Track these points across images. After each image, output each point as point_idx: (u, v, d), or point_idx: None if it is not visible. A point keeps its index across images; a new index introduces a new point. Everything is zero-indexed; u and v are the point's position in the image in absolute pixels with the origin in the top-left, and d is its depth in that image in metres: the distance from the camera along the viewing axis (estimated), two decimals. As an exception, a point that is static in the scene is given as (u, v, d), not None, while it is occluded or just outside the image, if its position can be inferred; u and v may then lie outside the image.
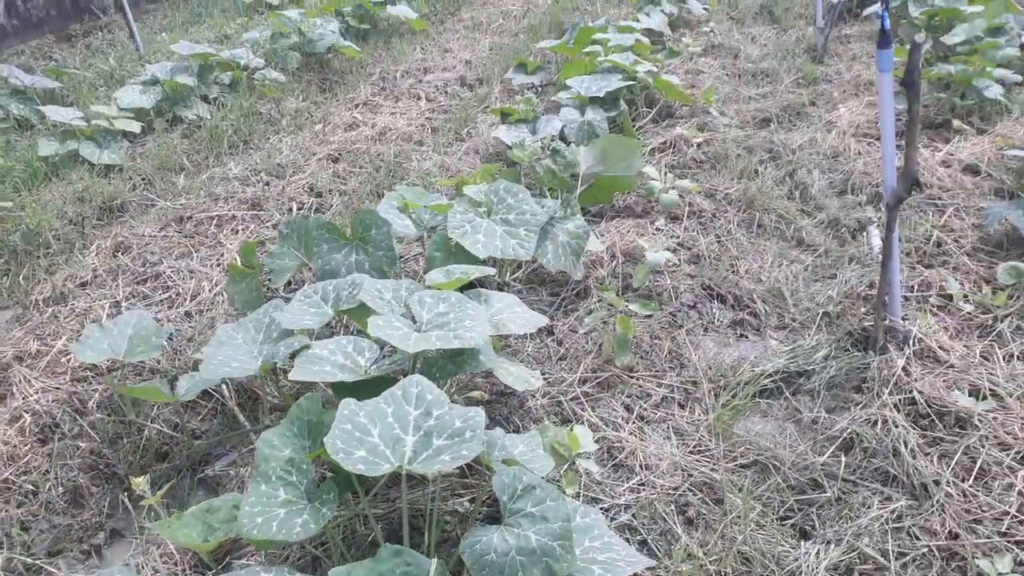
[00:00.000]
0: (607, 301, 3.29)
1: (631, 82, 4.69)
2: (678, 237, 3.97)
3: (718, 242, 3.96)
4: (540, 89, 6.30)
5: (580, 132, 4.49)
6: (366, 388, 2.36)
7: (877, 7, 7.07)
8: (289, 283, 3.75)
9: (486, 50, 7.60)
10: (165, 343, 3.24)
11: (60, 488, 2.79)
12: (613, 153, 4.00)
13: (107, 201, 4.89)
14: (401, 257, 3.90)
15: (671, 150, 4.91)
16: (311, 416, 2.27)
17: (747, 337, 3.40)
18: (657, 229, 4.02)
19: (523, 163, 3.98)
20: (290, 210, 4.59)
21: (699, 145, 4.85)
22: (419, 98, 6.41)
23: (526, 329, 2.68)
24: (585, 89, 4.75)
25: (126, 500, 2.77)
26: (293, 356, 2.53)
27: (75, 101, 6.46)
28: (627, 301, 3.28)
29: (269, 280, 3.60)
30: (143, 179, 5.25)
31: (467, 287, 2.90)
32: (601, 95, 4.62)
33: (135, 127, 5.60)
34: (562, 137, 4.57)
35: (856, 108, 5.48)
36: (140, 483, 2.38)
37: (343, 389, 2.37)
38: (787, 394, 3.04)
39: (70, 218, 4.69)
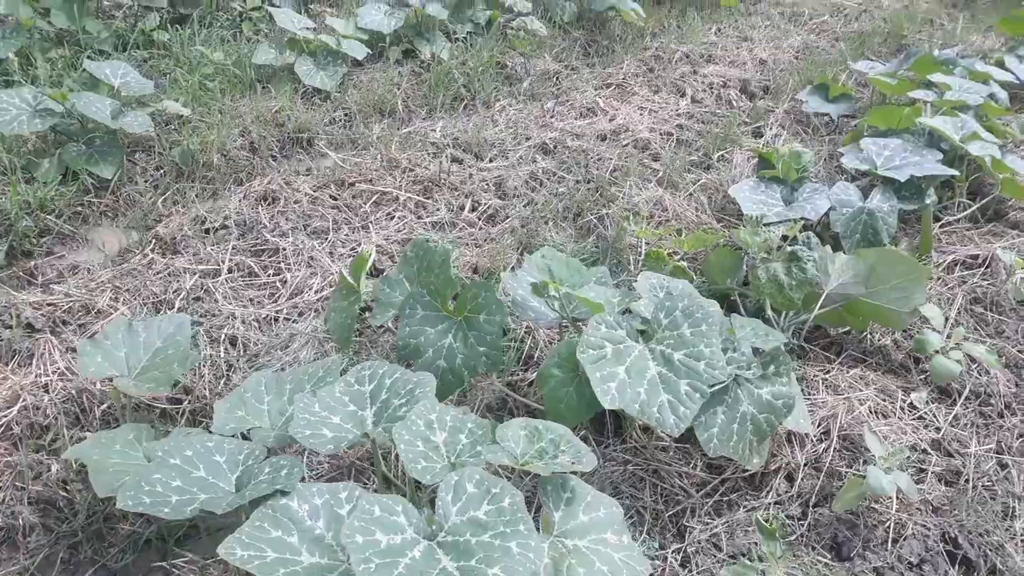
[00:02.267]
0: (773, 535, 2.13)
1: (952, 172, 3.22)
2: (938, 430, 2.65)
3: (999, 463, 2.58)
4: (836, 124, 4.88)
5: (852, 226, 3.17)
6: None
7: None
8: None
9: (792, 50, 6.18)
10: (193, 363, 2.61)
11: None
12: (884, 274, 2.72)
13: (295, 132, 4.40)
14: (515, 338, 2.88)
15: (978, 277, 3.44)
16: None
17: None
18: (911, 407, 2.71)
19: (749, 249, 2.83)
20: (461, 208, 3.79)
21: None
22: (683, 94, 5.26)
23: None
24: (882, 161, 3.38)
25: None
26: (254, 503, 1.74)
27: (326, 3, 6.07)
28: (812, 544, 2.12)
29: (371, 310, 2.85)
30: (345, 114, 4.71)
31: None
32: (902, 178, 3.23)
33: (360, 52, 5.04)
34: (826, 225, 3.29)
35: None
36: None
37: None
38: None
39: (251, 141, 4.25)
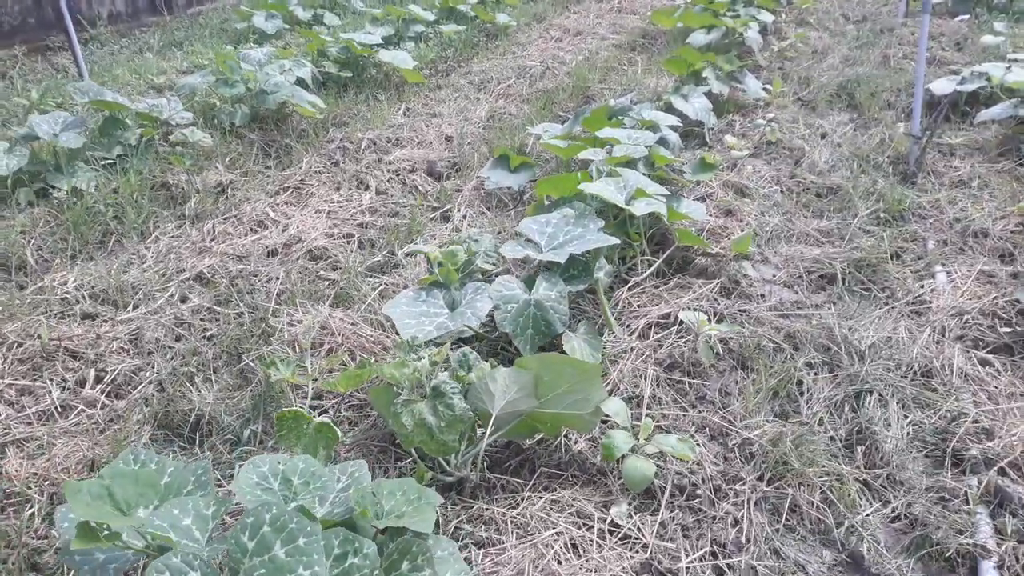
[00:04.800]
0: None
1: (614, 240, 2.99)
2: (645, 547, 2.31)
3: (715, 570, 2.27)
4: (520, 195, 4.68)
5: (520, 322, 2.82)
6: None
7: (997, 108, 5.31)
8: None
9: (482, 119, 6.03)
10: None
11: None
12: (552, 382, 2.37)
13: None
14: None
15: (673, 336, 3.24)
16: None
17: None
18: (612, 526, 2.36)
19: (398, 385, 2.38)
20: (81, 383, 3.06)
21: (715, 330, 3.17)
22: (367, 188, 4.86)
23: None
24: (545, 240, 3.10)
25: None
26: None
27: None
28: None
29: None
30: (-50, 283, 3.81)
31: None
32: (562, 259, 2.94)
33: (-33, 204, 4.18)
34: (493, 325, 2.94)
35: (964, 279, 3.73)
36: None
37: None
38: None
39: None
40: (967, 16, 8.27)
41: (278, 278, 3.75)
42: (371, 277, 3.82)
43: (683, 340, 3.26)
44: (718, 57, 6.07)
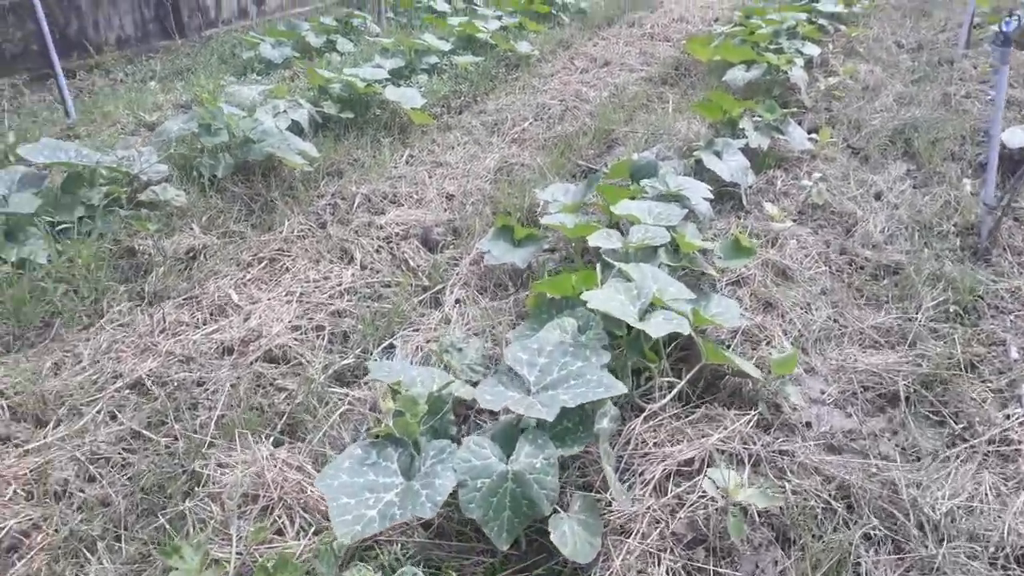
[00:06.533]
0: None
1: (620, 389, 2.30)
2: None
3: None
4: (523, 277, 4.04)
5: (493, 504, 2.12)
6: None
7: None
8: None
9: (490, 171, 5.41)
10: None
11: None
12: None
13: None
14: None
15: (690, 491, 2.58)
16: None
17: None
18: None
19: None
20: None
21: (750, 499, 2.49)
22: (351, 260, 4.26)
23: None
24: (536, 375, 2.41)
25: None
26: None
27: None
28: None
29: None
30: None
31: None
32: (551, 417, 2.26)
33: None
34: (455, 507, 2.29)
35: (1060, 408, 3.02)
36: None
37: None
38: None
39: None
40: (1039, 47, 7.45)
41: (226, 391, 3.16)
42: (337, 388, 3.21)
43: (706, 498, 2.60)
44: (758, 103, 5.38)
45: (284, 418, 3.03)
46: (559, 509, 2.26)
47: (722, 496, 2.41)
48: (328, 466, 2.24)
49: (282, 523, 2.50)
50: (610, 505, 2.50)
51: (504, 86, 7.47)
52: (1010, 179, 5.00)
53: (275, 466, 2.71)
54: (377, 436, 2.33)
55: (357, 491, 2.15)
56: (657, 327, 2.68)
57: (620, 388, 2.35)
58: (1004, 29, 3.61)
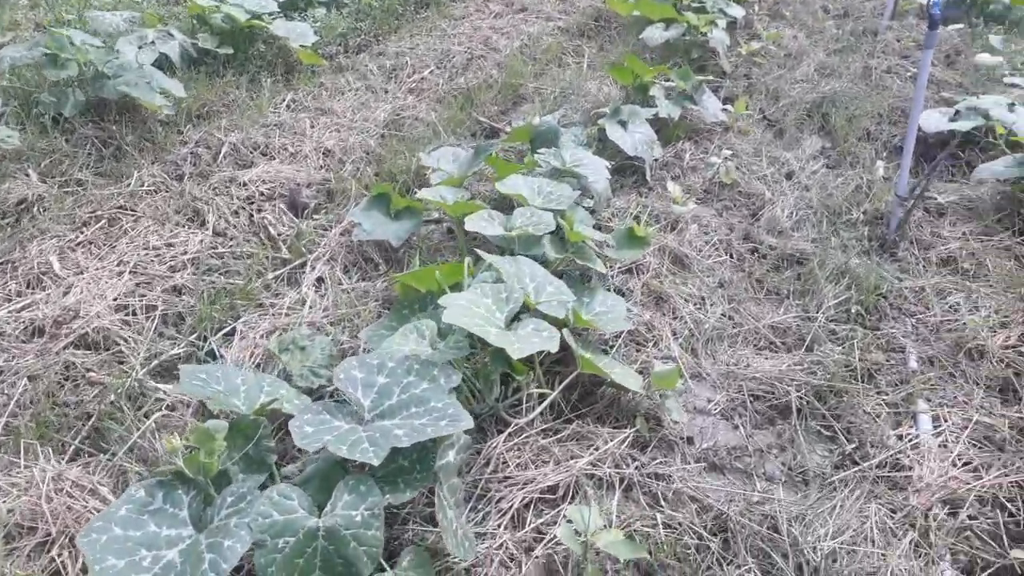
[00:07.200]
0: None
1: (467, 423, 1.92)
2: None
3: None
4: (399, 255, 3.61)
5: (300, 567, 1.76)
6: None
7: (1000, 165, 4.34)
8: None
9: (380, 124, 4.91)
10: None
11: None
12: None
13: None
14: None
15: (550, 524, 2.26)
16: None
17: None
18: None
19: None
20: None
21: (613, 546, 2.18)
22: (203, 223, 3.75)
23: None
24: (371, 402, 2.01)
25: None
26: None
27: None
28: None
29: None
30: None
31: None
32: (377, 461, 1.83)
33: None
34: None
35: (955, 432, 2.81)
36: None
37: None
38: None
39: None
40: (960, 25, 7.28)
41: (25, 385, 2.67)
42: (160, 384, 2.76)
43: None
44: (672, 68, 5.01)
45: (90, 422, 2.57)
46: (385, 566, 1.89)
47: (580, 545, 2.09)
48: (100, 515, 1.81)
49: (61, 563, 2.08)
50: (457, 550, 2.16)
51: (409, 26, 6.88)
52: (923, 163, 4.81)
53: (65, 487, 2.27)
54: (165, 475, 1.91)
55: (131, 549, 1.74)
56: (521, 344, 2.31)
57: (467, 422, 1.98)
58: (932, 12, 3.30)
